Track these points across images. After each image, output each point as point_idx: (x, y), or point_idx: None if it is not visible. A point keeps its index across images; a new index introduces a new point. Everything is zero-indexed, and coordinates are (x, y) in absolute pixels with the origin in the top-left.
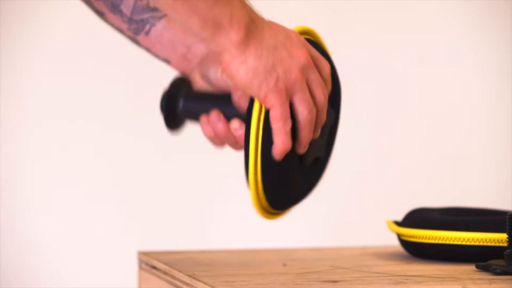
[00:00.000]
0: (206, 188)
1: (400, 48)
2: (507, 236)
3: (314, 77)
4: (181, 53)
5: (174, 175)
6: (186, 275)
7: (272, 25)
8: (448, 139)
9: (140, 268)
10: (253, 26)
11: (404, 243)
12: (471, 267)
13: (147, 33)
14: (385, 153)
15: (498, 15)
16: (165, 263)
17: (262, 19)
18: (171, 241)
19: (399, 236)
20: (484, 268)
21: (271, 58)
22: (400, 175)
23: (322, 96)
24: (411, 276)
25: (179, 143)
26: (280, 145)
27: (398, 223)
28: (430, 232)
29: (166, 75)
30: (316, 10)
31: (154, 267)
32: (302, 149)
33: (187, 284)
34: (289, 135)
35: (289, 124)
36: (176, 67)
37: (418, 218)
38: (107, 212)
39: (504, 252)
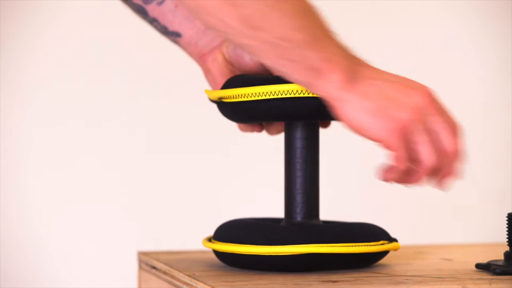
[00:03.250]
0: (206, 188)
1: (400, 48)
2: (507, 236)
3: (436, 119)
4: (200, 27)
5: (174, 175)
6: (186, 275)
7: (375, 69)
8: None
9: (140, 268)
10: (355, 66)
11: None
12: (471, 267)
13: (160, 3)
14: (383, 152)
15: (498, 15)
16: (165, 263)
17: (363, 61)
18: (171, 241)
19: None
20: (484, 268)
21: (382, 96)
22: None
23: (451, 141)
24: (411, 276)
25: (179, 144)
26: (389, 178)
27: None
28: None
29: (166, 77)
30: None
31: (154, 267)
32: (413, 184)
33: (187, 284)
34: (401, 175)
35: (405, 164)
36: (187, 43)
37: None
38: (107, 212)
39: (504, 252)
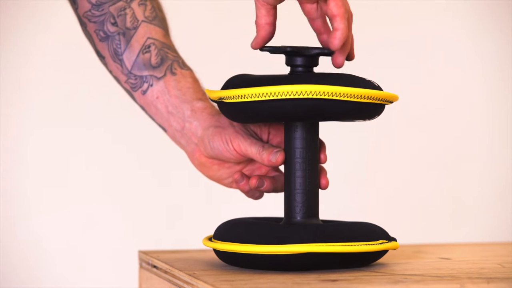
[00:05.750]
0: (206, 187)
1: (400, 48)
2: None
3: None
4: (176, 127)
5: (174, 175)
6: (187, 274)
7: None
8: (447, 138)
9: (141, 267)
10: None
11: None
12: (470, 266)
13: (144, 92)
14: (383, 151)
15: (498, 15)
16: (166, 262)
17: None
18: (171, 241)
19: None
20: None
21: None
22: (397, 174)
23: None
24: (409, 275)
25: None
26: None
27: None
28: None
29: None
30: None
31: (154, 266)
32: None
33: (187, 283)
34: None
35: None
36: (172, 138)
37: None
38: (108, 212)
39: None
